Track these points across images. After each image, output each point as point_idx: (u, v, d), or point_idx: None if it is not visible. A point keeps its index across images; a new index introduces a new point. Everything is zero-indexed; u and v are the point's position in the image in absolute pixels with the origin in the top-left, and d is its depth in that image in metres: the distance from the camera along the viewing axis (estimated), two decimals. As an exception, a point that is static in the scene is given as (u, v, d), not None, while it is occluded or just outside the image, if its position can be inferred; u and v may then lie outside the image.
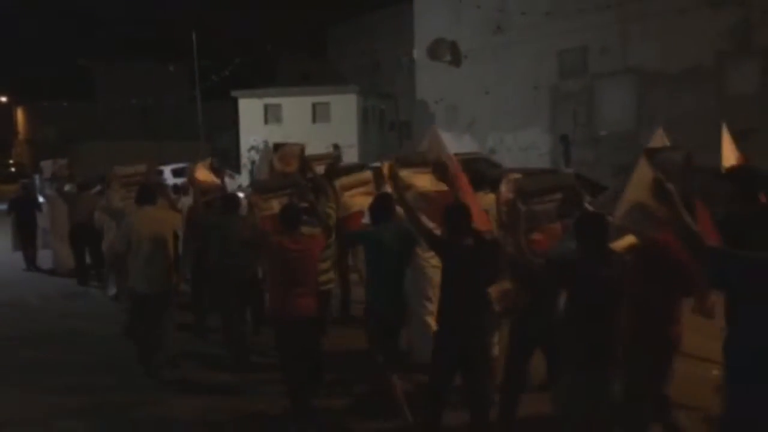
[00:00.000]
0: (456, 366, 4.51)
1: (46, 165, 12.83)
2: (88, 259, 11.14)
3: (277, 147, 7.46)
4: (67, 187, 11.51)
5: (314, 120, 33.62)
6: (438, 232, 4.81)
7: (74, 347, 7.74)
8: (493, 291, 4.62)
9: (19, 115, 60.24)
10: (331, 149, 21.88)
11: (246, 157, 33.60)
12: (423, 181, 5.68)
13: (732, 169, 5.03)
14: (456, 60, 25.60)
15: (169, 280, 6.50)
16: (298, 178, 6.56)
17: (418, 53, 27.76)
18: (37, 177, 13.92)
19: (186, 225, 7.19)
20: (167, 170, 24.01)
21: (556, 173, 6.20)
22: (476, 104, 24.81)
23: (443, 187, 5.61)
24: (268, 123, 34.33)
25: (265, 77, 45.62)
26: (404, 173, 5.56)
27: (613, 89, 20.91)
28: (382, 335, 5.32)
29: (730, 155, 5.39)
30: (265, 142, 7.94)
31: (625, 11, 20.03)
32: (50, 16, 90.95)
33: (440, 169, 5.63)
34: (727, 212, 4.26)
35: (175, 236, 6.87)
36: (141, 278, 6.35)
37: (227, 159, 33.97)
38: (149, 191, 6.67)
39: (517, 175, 5.28)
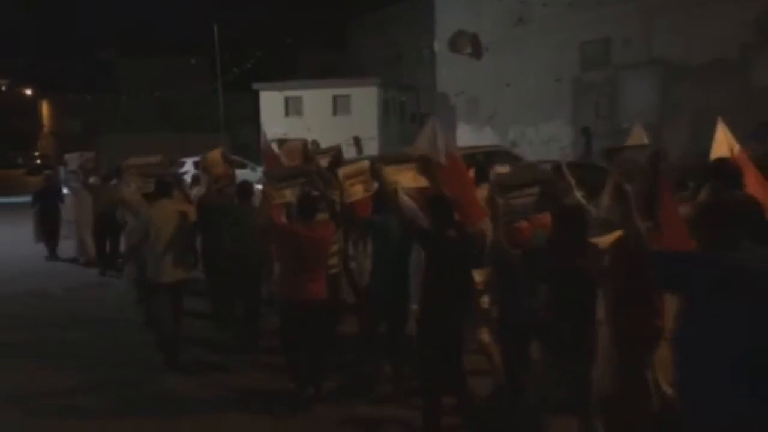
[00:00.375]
0: (446, 353, 4.61)
1: (72, 157, 13.08)
2: (108, 249, 11.39)
3: (282, 143, 7.69)
4: (91, 180, 11.75)
5: (335, 112, 33.70)
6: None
7: (91, 331, 8.07)
8: (478, 274, 4.81)
9: (44, 107, 61.02)
10: (351, 141, 21.95)
11: (267, 149, 33.78)
12: (406, 177, 5.83)
13: (715, 165, 5.01)
14: (477, 52, 25.48)
15: (185, 270, 6.71)
16: (308, 167, 6.69)
17: (439, 45, 27.69)
18: (61, 169, 14.18)
19: (197, 212, 7.30)
20: (189, 162, 24.13)
21: (535, 167, 6.48)
22: (497, 96, 24.70)
23: (425, 183, 5.78)
24: (288, 115, 34.46)
25: (287, 70, 45.77)
26: (388, 170, 5.71)
27: (637, 81, 20.72)
28: (379, 320, 5.59)
29: (721, 150, 5.30)
30: (263, 132, 8.13)
31: (649, 2, 19.82)
32: (74, 9, 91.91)
33: (424, 164, 5.81)
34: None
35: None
36: (158, 269, 6.55)
37: (249, 151, 34.16)
38: (166, 184, 6.93)
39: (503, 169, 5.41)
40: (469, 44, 25.47)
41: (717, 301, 2.86)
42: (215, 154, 8.45)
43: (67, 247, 13.04)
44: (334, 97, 33.85)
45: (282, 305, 5.61)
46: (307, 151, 7.41)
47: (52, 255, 13.08)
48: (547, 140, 23.00)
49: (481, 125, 25.56)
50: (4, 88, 64.26)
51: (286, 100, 34.68)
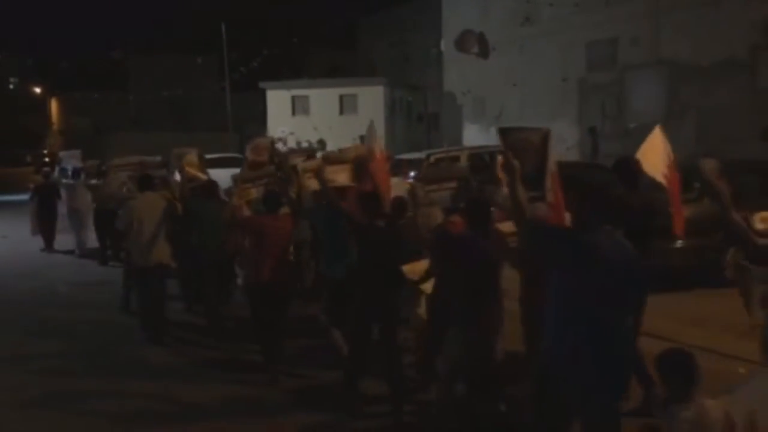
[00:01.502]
0: (373, 328, 5.34)
1: (66, 155, 14.13)
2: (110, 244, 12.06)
3: (250, 139, 8.64)
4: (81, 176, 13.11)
5: (341, 111, 33.73)
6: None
7: (85, 314, 8.91)
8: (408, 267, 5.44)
9: (54, 106, 61.32)
10: (358, 141, 22.03)
11: (274, 148, 33.80)
12: (343, 177, 6.97)
13: (617, 163, 5.66)
14: (484, 52, 25.46)
15: (167, 255, 7.46)
16: (272, 170, 7.68)
17: (446, 45, 27.68)
18: (57, 167, 15.02)
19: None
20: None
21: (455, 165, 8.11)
22: (504, 96, 24.68)
23: (358, 181, 6.83)
24: (295, 114, 34.52)
25: (295, 69, 45.85)
26: (329, 170, 6.76)
27: (644, 81, 20.64)
28: (330, 297, 6.17)
29: (651, 152, 5.75)
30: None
31: (657, 2, 19.75)
32: (84, 8, 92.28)
33: (358, 165, 6.95)
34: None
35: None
36: (142, 254, 7.34)
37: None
38: (149, 180, 7.88)
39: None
40: (475, 44, 25.45)
41: (574, 268, 3.53)
42: (191, 156, 9.19)
43: (63, 240, 13.92)
44: (341, 97, 33.88)
45: (250, 287, 6.41)
46: (273, 149, 8.33)
47: (49, 247, 13.88)
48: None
49: (488, 125, 25.53)
50: (13, 86, 64.61)
51: (293, 99, 34.73)
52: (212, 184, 8.09)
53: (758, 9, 17.50)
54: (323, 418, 5.30)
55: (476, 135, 25.48)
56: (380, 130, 33.38)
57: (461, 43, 25.78)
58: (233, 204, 6.91)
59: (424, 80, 36.83)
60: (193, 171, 8.88)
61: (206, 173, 8.98)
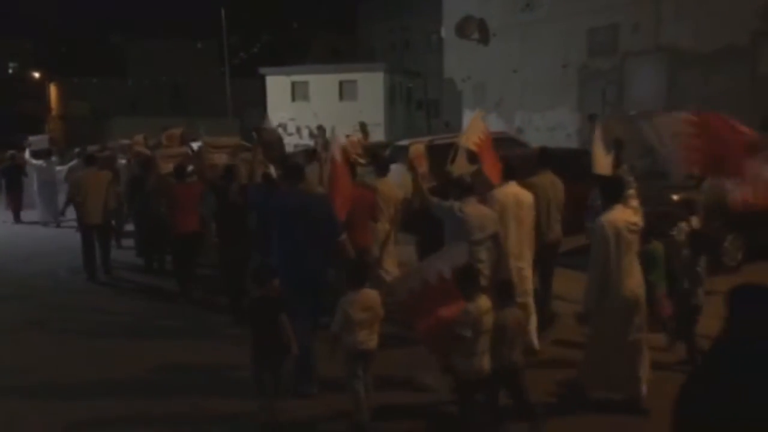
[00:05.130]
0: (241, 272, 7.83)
1: (33, 140, 17.62)
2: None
3: (165, 129, 11.55)
4: (53, 158, 16.13)
5: (341, 98, 33.61)
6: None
7: (54, 265, 11.60)
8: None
9: (53, 91, 61.01)
10: (357, 127, 22.01)
11: (273, 134, 33.74)
12: (221, 158, 9.28)
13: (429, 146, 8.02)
14: (484, 38, 25.34)
15: (104, 216, 10.06)
16: (186, 150, 10.36)
17: (446, 31, 27.54)
18: (27, 150, 17.39)
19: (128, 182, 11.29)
20: (195, 146, 24.18)
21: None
22: (504, 83, 24.59)
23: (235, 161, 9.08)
24: (295, 100, 34.41)
25: (295, 54, 45.64)
26: (211, 150, 9.41)
27: (645, 68, 20.57)
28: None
29: (473, 135, 7.30)
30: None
31: (658, -12, 19.64)
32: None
33: (235, 148, 9.71)
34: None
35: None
36: (85, 216, 9.95)
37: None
38: (92, 158, 10.59)
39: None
40: (476, 30, 25.31)
41: (275, 214, 5.83)
42: (138, 137, 11.93)
43: (30, 213, 16.22)
44: (341, 83, 33.74)
45: (173, 234, 8.91)
46: (183, 137, 10.95)
47: (17, 219, 16.20)
48: (553, 127, 22.90)
49: (488, 111, 25.46)
50: (11, 72, 64.31)
51: (293, 84, 34.60)
52: (147, 161, 10.58)
53: (760, -5, 17.41)
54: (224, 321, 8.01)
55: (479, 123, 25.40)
56: (380, 116, 33.38)
57: (461, 29, 25.64)
58: (155, 174, 9.73)
59: (424, 66, 36.70)
60: (138, 148, 11.48)
61: (149, 151, 11.33)
